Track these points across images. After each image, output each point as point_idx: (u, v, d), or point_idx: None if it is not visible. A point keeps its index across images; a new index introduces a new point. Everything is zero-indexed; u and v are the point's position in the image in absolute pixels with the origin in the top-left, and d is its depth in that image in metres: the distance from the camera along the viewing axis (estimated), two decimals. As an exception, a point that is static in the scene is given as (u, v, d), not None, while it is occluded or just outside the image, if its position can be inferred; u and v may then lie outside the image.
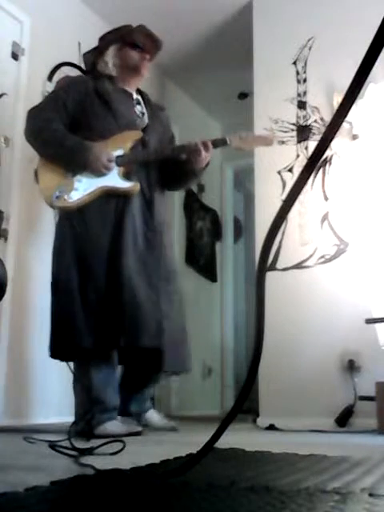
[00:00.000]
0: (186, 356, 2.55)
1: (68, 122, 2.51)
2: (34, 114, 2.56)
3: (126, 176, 2.47)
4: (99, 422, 2.31)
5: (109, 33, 2.73)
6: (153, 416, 2.62)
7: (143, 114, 2.66)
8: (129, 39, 2.63)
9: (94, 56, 2.69)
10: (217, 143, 2.54)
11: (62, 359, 2.49)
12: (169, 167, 2.62)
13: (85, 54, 2.75)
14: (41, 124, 2.49)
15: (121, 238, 2.39)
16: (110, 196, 2.44)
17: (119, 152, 2.48)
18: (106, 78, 2.62)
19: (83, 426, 2.28)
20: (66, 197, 2.41)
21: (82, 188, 2.43)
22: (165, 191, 2.69)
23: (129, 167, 2.49)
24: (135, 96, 2.70)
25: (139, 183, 2.48)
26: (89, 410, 2.33)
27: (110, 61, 2.63)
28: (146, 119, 2.65)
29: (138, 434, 2.32)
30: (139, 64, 2.64)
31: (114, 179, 2.46)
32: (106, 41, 2.69)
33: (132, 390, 2.61)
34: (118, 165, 2.47)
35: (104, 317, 2.33)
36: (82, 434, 2.18)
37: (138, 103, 2.69)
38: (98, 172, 2.43)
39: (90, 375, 2.35)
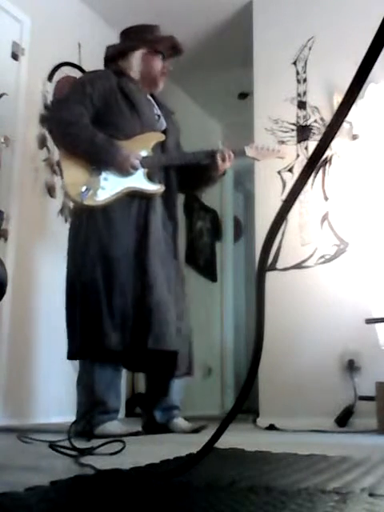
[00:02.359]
0: (192, 359, 2.57)
1: (93, 116, 2.50)
2: (63, 107, 2.53)
3: (150, 177, 2.50)
4: (99, 423, 2.31)
5: (136, 31, 2.69)
6: (179, 423, 2.53)
7: (159, 116, 2.68)
8: (157, 48, 2.64)
9: (118, 52, 2.66)
10: (236, 153, 2.61)
11: (83, 358, 2.42)
12: (187, 172, 2.66)
13: (108, 47, 2.70)
14: (70, 118, 2.45)
15: (146, 240, 2.41)
16: (133, 196, 2.46)
17: (144, 153, 2.50)
18: (127, 76, 2.62)
19: (83, 425, 2.28)
20: (93, 195, 2.39)
21: (109, 187, 2.42)
22: (178, 194, 2.72)
23: (153, 169, 2.52)
24: (149, 97, 2.71)
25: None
26: (90, 410, 2.33)
27: (134, 65, 2.63)
28: (163, 121, 2.67)
29: (137, 433, 2.32)
30: (160, 75, 2.67)
31: (140, 180, 2.47)
32: (133, 40, 2.65)
33: (154, 402, 2.55)
34: (143, 166, 2.48)
35: (132, 319, 2.35)
36: (83, 434, 2.18)
37: (153, 105, 2.71)
38: (126, 172, 2.44)
39: (93, 376, 2.35)
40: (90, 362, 2.37)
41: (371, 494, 0.90)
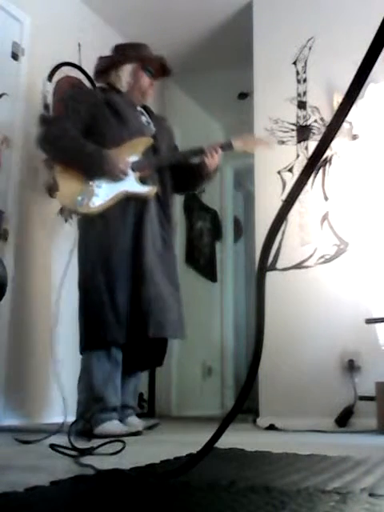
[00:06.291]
0: (165, 350, 2.67)
1: (83, 129, 2.61)
2: (51, 123, 2.68)
3: (143, 180, 2.59)
4: (99, 422, 2.31)
5: (128, 47, 2.82)
6: (133, 421, 2.55)
7: (149, 123, 2.79)
8: (147, 65, 2.75)
9: (108, 64, 2.77)
10: (224, 147, 2.72)
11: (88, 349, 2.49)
12: (180, 172, 2.77)
13: (100, 59, 2.81)
14: (58, 132, 2.59)
15: (141, 238, 2.52)
16: (128, 200, 2.56)
17: (134, 158, 2.60)
18: (113, 90, 2.73)
19: (83, 424, 2.29)
20: (88, 203, 2.51)
21: (103, 194, 2.53)
22: (174, 194, 2.83)
23: (145, 172, 2.60)
24: (139, 108, 2.81)
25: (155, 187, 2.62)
26: (89, 409, 2.35)
27: (123, 77, 2.74)
28: (152, 127, 2.78)
29: (137, 433, 2.33)
30: (148, 90, 2.78)
31: (132, 184, 2.57)
32: (124, 55, 2.76)
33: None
34: (134, 170, 2.58)
35: (132, 312, 2.44)
36: (82, 434, 2.18)
37: (142, 114, 2.81)
38: (116, 178, 2.54)
39: (92, 370, 2.41)
40: (89, 357, 2.43)
41: (371, 494, 0.90)
